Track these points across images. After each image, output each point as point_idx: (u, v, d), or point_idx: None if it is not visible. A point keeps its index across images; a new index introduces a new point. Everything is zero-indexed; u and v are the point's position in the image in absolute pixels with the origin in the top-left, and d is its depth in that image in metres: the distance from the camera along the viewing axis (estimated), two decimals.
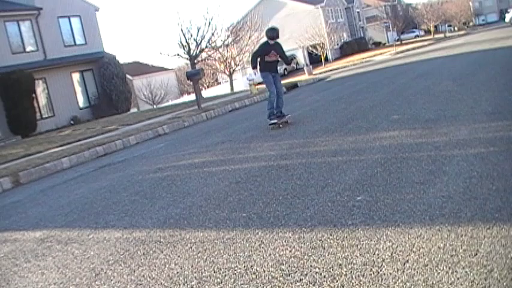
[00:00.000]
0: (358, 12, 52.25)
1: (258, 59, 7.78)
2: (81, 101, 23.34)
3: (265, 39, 8.09)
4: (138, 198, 4.68)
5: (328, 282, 2.20)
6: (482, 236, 2.34)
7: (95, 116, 22.32)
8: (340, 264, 2.35)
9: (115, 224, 3.96)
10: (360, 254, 2.42)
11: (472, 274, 2.01)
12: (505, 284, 1.90)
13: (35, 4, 21.63)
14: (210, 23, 24.49)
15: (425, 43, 37.44)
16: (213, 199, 4.05)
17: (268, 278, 2.37)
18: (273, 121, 7.55)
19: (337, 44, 45.10)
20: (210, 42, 25.13)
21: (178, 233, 3.36)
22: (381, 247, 2.45)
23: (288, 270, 2.41)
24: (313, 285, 2.21)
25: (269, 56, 7.68)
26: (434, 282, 2.01)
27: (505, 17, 51.98)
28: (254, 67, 7.89)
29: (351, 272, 2.25)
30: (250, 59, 7.61)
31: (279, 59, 7.92)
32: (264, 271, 2.46)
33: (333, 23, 44.10)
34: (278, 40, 7.88)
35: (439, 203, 2.87)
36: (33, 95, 20.28)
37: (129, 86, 26.08)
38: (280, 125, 7.51)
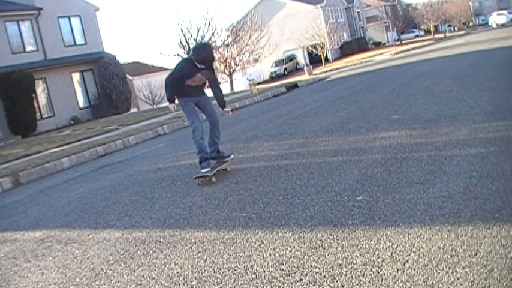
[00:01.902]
0: (358, 12, 52.24)
1: (176, 84, 4.86)
2: (81, 101, 23.32)
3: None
4: (138, 198, 4.68)
5: (328, 282, 2.20)
6: (482, 236, 2.34)
7: (95, 116, 22.32)
8: (340, 264, 2.35)
9: (115, 224, 3.96)
10: (360, 254, 2.42)
11: (472, 274, 2.01)
12: (505, 284, 1.90)
13: (35, 4, 21.62)
14: (210, 23, 24.52)
15: (425, 43, 37.44)
16: (213, 199, 4.05)
17: (268, 278, 2.37)
18: (204, 170, 4.78)
19: (337, 44, 45.09)
20: (210, 42, 25.12)
21: (178, 233, 3.36)
22: (381, 247, 2.45)
23: (288, 270, 2.41)
24: (313, 285, 2.21)
25: (192, 80, 4.86)
26: (434, 282, 2.01)
27: (488, 21, 52.04)
28: (171, 99, 4.94)
29: (351, 272, 2.25)
30: (165, 86, 4.91)
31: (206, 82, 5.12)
32: (264, 271, 2.46)
33: (333, 23, 44.09)
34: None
35: (439, 203, 2.88)
36: (33, 95, 20.27)
37: (129, 86, 26.08)
38: (213, 178, 4.70)
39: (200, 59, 4.74)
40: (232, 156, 5.25)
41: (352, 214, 3.00)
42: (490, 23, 50.18)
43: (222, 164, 5.04)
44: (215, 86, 5.13)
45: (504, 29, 35.58)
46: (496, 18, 48.65)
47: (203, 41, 24.21)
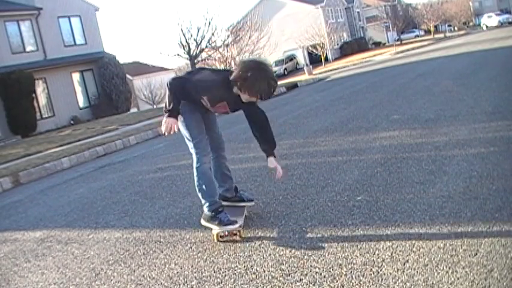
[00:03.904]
0: (358, 12, 52.24)
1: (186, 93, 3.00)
2: (81, 101, 23.34)
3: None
4: (138, 198, 4.68)
5: (328, 282, 2.20)
6: (482, 236, 2.34)
7: (95, 116, 22.32)
8: (340, 264, 2.35)
9: (115, 224, 3.96)
10: (360, 254, 2.42)
11: (472, 274, 2.01)
12: (505, 284, 1.90)
13: (35, 4, 21.63)
14: (210, 23, 24.51)
15: (425, 43, 37.42)
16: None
17: (268, 278, 2.37)
18: (230, 226, 2.97)
19: (337, 44, 45.10)
20: (210, 42, 25.14)
21: (178, 233, 3.36)
22: (381, 247, 2.45)
23: (288, 270, 2.41)
24: (313, 285, 2.21)
25: (213, 106, 3.07)
26: (434, 282, 2.01)
27: (480, 23, 51.98)
28: (174, 111, 2.96)
29: (351, 272, 2.25)
30: (170, 89, 2.93)
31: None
32: (264, 271, 2.46)
33: (333, 23, 44.09)
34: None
35: (439, 203, 2.87)
36: (33, 95, 20.29)
37: (129, 86, 26.09)
38: (241, 232, 3.01)
39: (250, 88, 2.78)
40: (254, 202, 3.45)
41: (352, 214, 3.00)
42: (481, 25, 50.24)
43: (241, 211, 3.26)
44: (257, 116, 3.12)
45: (495, 30, 35.57)
46: (487, 21, 48.66)
47: (203, 40, 24.18)
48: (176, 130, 2.97)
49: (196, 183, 3.08)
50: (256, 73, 2.74)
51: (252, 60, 2.87)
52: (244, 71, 2.76)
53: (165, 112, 2.96)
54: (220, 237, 3.00)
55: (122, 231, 3.70)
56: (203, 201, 3.08)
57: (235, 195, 3.37)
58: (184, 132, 3.12)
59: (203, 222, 3.10)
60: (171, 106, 2.93)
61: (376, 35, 53.44)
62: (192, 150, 3.12)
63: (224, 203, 3.20)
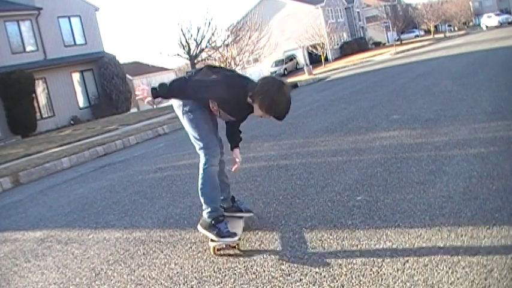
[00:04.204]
0: (358, 12, 52.25)
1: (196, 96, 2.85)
2: (81, 101, 23.34)
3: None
4: (138, 198, 4.68)
5: (328, 282, 2.20)
6: (482, 236, 2.34)
7: (95, 116, 22.32)
8: (340, 264, 2.35)
9: (115, 224, 3.96)
10: (360, 254, 2.42)
11: (472, 274, 2.01)
12: (505, 284, 1.90)
13: (35, 4, 21.63)
14: (210, 23, 24.52)
15: (425, 43, 37.42)
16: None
17: (268, 278, 2.37)
18: (228, 239, 2.79)
19: (337, 44, 45.10)
20: (210, 42, 25.14)
21: (178, 233, 3.36)
22: (381, 247, 2.45)
23: (288, 270, 2.41)
24: (313, 285, 2.21)
25: (221, 114, 2.98)
26: (434, 282, 2.01)
27: (480, 23, 51.97)
28: (156, 94, 2.76)
29: (351, 272, 2.25)
30: (180, 87, 2.75)
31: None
32: (264, 271, 2.46)
33: (333, 23, 44.09)
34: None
35: (439, 203, 2.88)
36: (33, 95, 20.29)
37: (129, 86, 26.08)
38: (239, 245, 2.86)
39: (270, 107, 2.71)
40: (252, 214, 3.29)
41: (352, 214, 3.00)
42: (481, 25, 50.23)
43: (239, 223, 3.08)
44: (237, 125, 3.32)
45: (495, 30, 35.56)
46: (486, 21, 48.65)
47: (203, 40, 24.16)
48: (153, 105, 2.75)
49: (200, 185, 2.89)
50: (280, 94, 2.71)
51: (276, 80, 2.80)
52: (269, 89, 2.70)
53: (163, 95, 2.75)
54: (218, 250, 2.81)
55: (122, 231, 3.70)
56: (204, 205, 2.88)
57: (232, 206, 3.21)
58: (192, 132, 2.92)
59: (200, 228, 2.92)
60: (162, 88, 2.72)
61: (376, 35, 53.44)
62: (201, 151, 2.92)
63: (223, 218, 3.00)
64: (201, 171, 2.89)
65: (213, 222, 2.81)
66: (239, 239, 2.83)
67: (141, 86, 2.78)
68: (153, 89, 2.73)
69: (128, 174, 6.21)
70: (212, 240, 2.82)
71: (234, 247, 2.83)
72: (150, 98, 2.74)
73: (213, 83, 2.78)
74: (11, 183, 7.53)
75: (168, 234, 3.39)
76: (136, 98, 2.80)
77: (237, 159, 3.18)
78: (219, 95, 2.79)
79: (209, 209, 2.86)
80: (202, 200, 2.89)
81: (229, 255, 2.76)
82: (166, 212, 3.95)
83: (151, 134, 10.81)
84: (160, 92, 2.73)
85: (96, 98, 23.63)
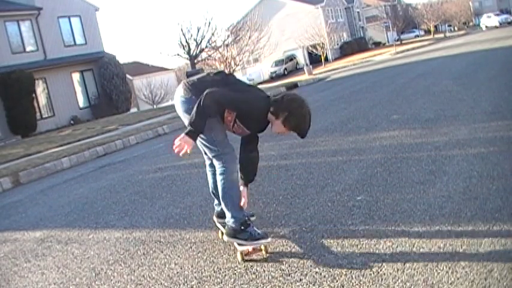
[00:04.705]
0: (358, 12, 52.25)
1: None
2: (81, 101, 23.34)
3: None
4: (138, 198, 4.68)
5: (328, 282, 2.20)
6: (482, 236, 2.34)
7: (95, 116, 22.33)
8: (340, 264, 2.35)
9: (115, 224, 3.96)
10: (360, 254, 2.42)
11: (472, 274, 2.01)
12: (505, 284, 1.90)
13: (35, 4, 21.63)
14: (210, 23, 24.54)
15: (425, 43, 37.42)
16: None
17: (268, 278, 2.37)
18: (263, 240, 2.66)
19: (337, 44, 45.10)
20: (210, 42, 25.16)
21: (178, 233, 3.36)
22: (381, 247, 2.45)
23: (288, 270, 2.41)
24: (313, 285, 2.21)
25: (235, 126, 2.76)
26: (434, 282, 2.01)
27: (479, 23, 51.97)
28: (196, 134, 2.56)
29: (351, 272, 2.25)
30: (206, 103, 2.50)
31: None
32: (264, 271, 2.46)
33: (333, 23, 44.09)
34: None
35: (439, 203, 2.88)
36: (33, 95, 20.29)
37: (129, 86, 26.09)
38: (267, 246, 2.73)
39: (294, 123, 2.66)
40: (254, 217, 3.18)
41: (352, 214, 3.00)
42: (480, 25, 50.24)
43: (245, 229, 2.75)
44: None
45: (495, 30, 35.54)
46: (486, 21, 48.65)
47: (203, 40, 24.15)
48: (189, 152, 2.55)
49: (222, 194, 2.72)
50: (305, 111, 2.67)
51: (299, 96, 2.73)
52: (297, 106, 2.65)
53: (189, 126, 2.53)
54: (245, 255, 2.67)
55: (122, 231, 3.70)
56: (229, 214, 2.71)
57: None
58: (206, 136, 2.67)
59: (228, 238, 2.73)
60: (195, 122, 2.50)
61: (376, 35, 53.44)
62: (217, 158, 2.72)
63: (220, 220, 3.01)
64: (221, 179, 2.71)
65: (242, 227, 2.68)
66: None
67: (176, 143, 2.49)
68: (188, 134, 2.51)
69: (128, 174, 6.21)
70: (240, 245, 2.67)
71: (261, 250, 2.66)
72: (193, 142, 2.54)
73: (238, 96, 2.64)
74: (11, 183, 7.53)
75: (168, 234, 3.39)
76: (180, 155, 2.53)
77: (244, 198, 2.82)
78: (243, 108, 2.64)
79: (235, 216, 2.71)
80: (226, 209, 2.74)
81: (229, 255, 2.76)
82: (166, 212, 3.95)
83: (151, 134, 10.81)
84: (196, 128, 2.52)
85: (96, 98, 23.64)
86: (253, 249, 2.69)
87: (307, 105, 2.69)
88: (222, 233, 2.86)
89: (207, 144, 2.72)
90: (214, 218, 3.15)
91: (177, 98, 2.79)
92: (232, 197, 2.71)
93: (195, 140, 2.56)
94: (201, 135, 2.65)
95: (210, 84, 2.65)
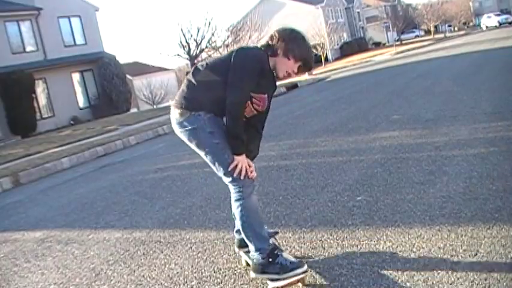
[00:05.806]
0: (358, 12, 52.27)
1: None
2: (81, 101, 23.34)
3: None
4: (138, 198, 4.68)
5: (328, 282, 2.20)
6: (482, 236, 2.34)
7: (95, 116, 22.31)
8: (340, 264, 2.35)
9: (115, 224, 3.96)
10: (360, 254, 2.42)
11: (472, 274, 2.01)
12: (505, 284, 1.90)
13: (35, 4, 21.63)
14: (210, 23, 24.54)
15: (426, 43, 37.41)
16: (213, 199, 4.05)
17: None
18: (300, 269, 2.19)
19: (337, 44, 45.11)
20: (210, 42, 25.15)
21: (178, 233, 3.36)
22: (381, 247, 2.45)
23: None
24: (313, 285, 2.21)
25: (259, 101, 2.36)
26: (434, 282, 2.01)
27: (479, 23, 51.98)
28: (243, 148, 2.27)
29: (351, 272, 2.25)
30: (237, 102, 2.18)
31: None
32: None
33: (333, 23, 44.10)
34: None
35: (439, 203, 2.87)
36: (33, 95, 20.29)
37: (129, 86, 26.09)
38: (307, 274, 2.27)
39: (297, 49, 2.33)
40: (279, 232, 2.84)
41: (352, 214, 3.00)
42: (480, 25, 50.26)
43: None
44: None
45: (495, 30, 35.53)
46: (486, 21, 48.65)
47: (203, 41, 24.15)
48: (253, 171, 2.32)
49: (241, 223, 2.32)
50: (300, 35, 2.38)
51: (289, 27, 2.43)
52: (289, 33, 2.36)
53: (233, 137, 2.23)
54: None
55: (122, 231, 3.70)
56: (252, 247, 2.30)
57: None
58: (215, 158, 2.30)
59: (255, 275, 2.30)
60: (237, 135, 2.22)
61: (376, 35, 53.43)
62: (232, 181, 2.30)
63: (244, 250, 2.51)
64: (237, 206, 2.32)
65: (270, 259, 2.25)
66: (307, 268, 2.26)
67: (237, 168, 2.24)
68: (235, 154, 2.25)
69: (128, 175, 6.21)
70: (272, 281, 2.23)
71: (297, 282, 2.21)
72: (244, 157, 2.27)
73: (242, 76, 2.23)
74: (11, 184, 7.53)
75: (168, 234, 3.39)
76: (250, 176, 2.29)
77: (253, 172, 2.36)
78: (254, 76, 2.25)
79: (259, 248, 2.28)
80: (248, 240, 2.33)
81: (229, 255, 2.76)
82: (166, 212, 3.95)
83: (151, 134, 10.81)
84: (238, 145, 2.25)
85: (96, 98, 23.63)
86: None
87: (298, 30, 2.42)
88: (247, 263, 2.49)
89: (221, 168, 2.30)
90: (236, 249, 2.64)
91: (176, 125, 2.36)
92: (252, 225, 2.29)
93: (244, 153, 2.28)
94: (215, 157, 2.30)
95: (207, 90, 2.29)
